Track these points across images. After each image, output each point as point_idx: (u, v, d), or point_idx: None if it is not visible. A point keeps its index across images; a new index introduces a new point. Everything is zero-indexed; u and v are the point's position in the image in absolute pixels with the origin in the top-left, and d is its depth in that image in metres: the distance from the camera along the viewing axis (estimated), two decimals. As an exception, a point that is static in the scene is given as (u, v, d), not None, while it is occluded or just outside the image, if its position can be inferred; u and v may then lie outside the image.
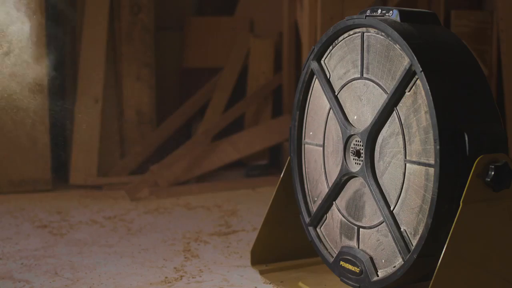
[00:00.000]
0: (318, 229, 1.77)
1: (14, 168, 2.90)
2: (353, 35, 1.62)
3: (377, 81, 1.55)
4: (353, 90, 1.62)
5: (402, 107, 1.48)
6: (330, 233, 1.73)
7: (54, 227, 2.32)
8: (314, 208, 1.77)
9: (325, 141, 1.73)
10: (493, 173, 1.38)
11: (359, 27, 1.59)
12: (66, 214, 2.52)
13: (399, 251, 1.49)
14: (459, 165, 1.39)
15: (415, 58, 1.42)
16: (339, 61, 1.66)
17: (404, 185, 1.48)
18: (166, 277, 1.80)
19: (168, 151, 3.14)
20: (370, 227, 1.59)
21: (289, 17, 3.38)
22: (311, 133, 1.78)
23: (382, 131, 1.53)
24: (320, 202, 1.74)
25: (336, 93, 1.67)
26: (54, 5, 2.96)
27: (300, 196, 1.80)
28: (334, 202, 1.70)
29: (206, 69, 3.52)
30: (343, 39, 1.65)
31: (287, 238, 1.90)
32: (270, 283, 1.76)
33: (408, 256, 1.46)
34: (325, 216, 1.74)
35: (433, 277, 1.36)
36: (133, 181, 2.94)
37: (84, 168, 3.06)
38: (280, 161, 3.38)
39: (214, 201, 2.77)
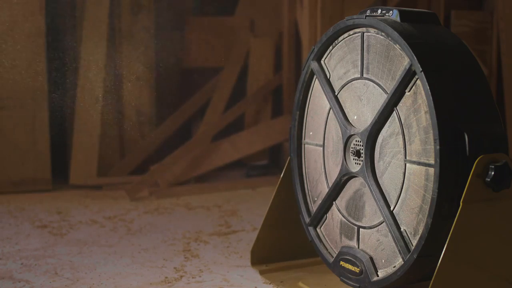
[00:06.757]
0: (318, 229, 1.76)
1: (14, 168, 2.90)
2: (353, 35, 1.62)
3: (377, 81, 1.55)
4: (353, 90, 1.62)
5: (402, 107, 1.48)
6: (330, 233, 1.73)
7: (54, 227, 2.32)
8: (314, 208, 1.77)
9: (325, 141, 1.73)
10: (493, 173, 1.38)
11: (359, 27, 1.59)
12: (66, 214, 2.52)
13: (399, 251, 1.49)
14: (459, 165, 1.39)
15: (415, 58, 1.42)
16: (339, 61, 1.66)
17: (404, 185, 1.48)
18: (166, 277, 1.80)
19: (168, 151, 3.14)
20: (370, 227, 1.58)
21: (289, 17, 3.38)
22: (311, 133, 1.78)
23: (382, 131, 1.53)
24: (320, 202, 1.74)
25: (336, 93, 1.67)
26: (54, 4, 2.96)
27: (300, 196, 1.80)
28: (334, 202, 1.70)
29: (206, 69, 3.51)
30: (343, 39, 1.65)
31: (287, 238, 1.90)
32: (270, 283, 1.75)
33: (408, 256, 1.46)
34: (325, 216, 1.74)
35: (433, 277, 1.36)
36: (133, 181, 2.94)
37: (84, 168, 3.06)
38: (280, 161, 3.38)
39: (214, 201, 2.77)
